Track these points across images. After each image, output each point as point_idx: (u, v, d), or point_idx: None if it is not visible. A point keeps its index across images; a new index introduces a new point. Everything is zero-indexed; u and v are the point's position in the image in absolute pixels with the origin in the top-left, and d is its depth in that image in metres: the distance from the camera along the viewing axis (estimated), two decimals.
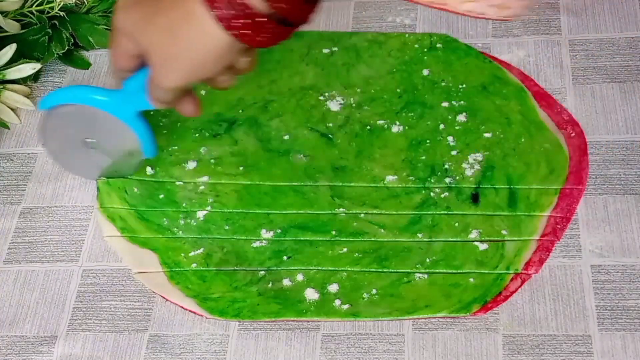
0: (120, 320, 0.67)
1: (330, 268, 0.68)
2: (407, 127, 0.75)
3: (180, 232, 0.71)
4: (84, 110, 0.68)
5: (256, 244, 0.69)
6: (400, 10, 0.83)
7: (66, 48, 0.81)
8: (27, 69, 0.79)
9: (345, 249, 0.68)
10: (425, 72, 0.78)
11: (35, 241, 0.72)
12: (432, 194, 0.71)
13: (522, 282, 0.66)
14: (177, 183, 0.73)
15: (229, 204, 0.72)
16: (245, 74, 0.63)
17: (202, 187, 0.73)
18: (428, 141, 0.74)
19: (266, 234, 0.70)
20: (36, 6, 0.81)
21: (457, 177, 0.71)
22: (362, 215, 0.70)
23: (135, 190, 0.73)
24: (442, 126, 0.74)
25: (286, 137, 0.75)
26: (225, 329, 0.66)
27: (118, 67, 0.64)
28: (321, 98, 0.77)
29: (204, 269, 0.69)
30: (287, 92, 0.78)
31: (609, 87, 0.75)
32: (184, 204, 0.72)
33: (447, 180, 0.71)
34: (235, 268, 0.68)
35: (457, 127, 0.74)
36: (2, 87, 0.79)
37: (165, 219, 0.71)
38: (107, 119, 0.67)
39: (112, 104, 0.67)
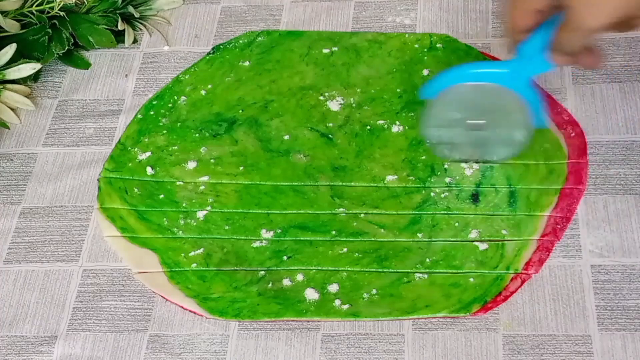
0: (120, 320, 0.67)
1: (330, 268, 0.68)
2: (407, 127, 0.75)
3: (180, 232, 0.71)
4: (474, 89, 0.64)
5: (256, 244, 0.69)
6: (400, 10, 0.83)
7: (66, 48, 0.81)
8: (27, 69, 0.79)
9: (345, 249, 0.68)
10: (425, 72, 0.78)
11: (35, 241, 0.72)
12: (432, 193, 0.71)
13: (522, 282, 0.66)
14: (177, 183, 0.74)
15: (229, 204, 0.72)
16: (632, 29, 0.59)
17: (202, 187, 0.73)
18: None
19: (266, 234, 0.70)
20: (36, 6, 0.81)
21: (457, 177, 0.71)
22: (362, 215, 0.70)
23: (135, 190, 0.73)
24: None
25: (286, 137, 0.75)
26: (225, 329, 0.66)
27: (517, 27, 0.60)
28: (321, 98, 0.77)
29: (204, 269, 0.69)
30: (287, 92, 0.78)
31: (609, 87, 0.75)
32: (184, 204, 0.72)
33: (447, 180, 0.71)
34: (235, 268, 0.68)
35: None
36: (2, 87, 0.79)
37: (165, 219, 0.71)
38: (498, 93, 0.64)
39: (507, 75, 0.63)
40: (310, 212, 0.71)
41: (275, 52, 0.81)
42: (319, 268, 0.68)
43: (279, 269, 0.68)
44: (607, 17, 0.56)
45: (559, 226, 0.68)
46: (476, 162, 0.71)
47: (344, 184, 0.72)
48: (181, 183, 0.73)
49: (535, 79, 0.64)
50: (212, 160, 0.74)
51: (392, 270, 0.67)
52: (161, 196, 0.73)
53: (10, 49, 0.78)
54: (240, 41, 0.83)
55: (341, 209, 0.71)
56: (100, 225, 0.72)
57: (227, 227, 0.71)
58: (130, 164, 0.75)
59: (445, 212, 0.69)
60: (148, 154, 0.75)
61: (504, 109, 0.65)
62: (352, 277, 0.67)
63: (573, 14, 0.56)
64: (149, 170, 0.74)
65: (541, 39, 0.60)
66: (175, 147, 0.76)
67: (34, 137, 0.79)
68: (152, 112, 0.79)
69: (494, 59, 0.78)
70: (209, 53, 0.82)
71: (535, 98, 0.65)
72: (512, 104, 0.65)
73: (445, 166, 0.72)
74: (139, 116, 0.78)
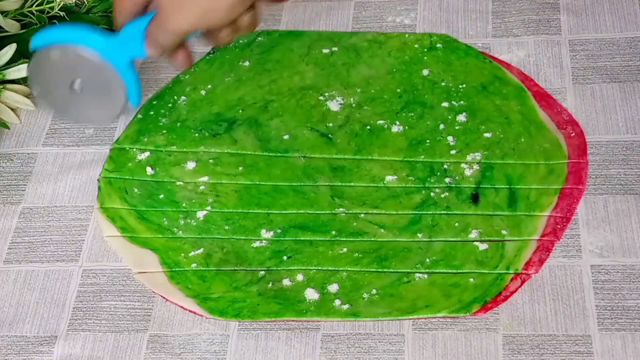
0: (120, 320, 0.67)
1: (330, 268, 0.68)
2: (407, 127, 0.75)
3: (180, 232, 0.71)
4: (76, 52, 0.66)
5: (256, 244, 0.69)
6: (400, 10, 0.83)
7: None
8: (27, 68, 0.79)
9: (345, 249, 0.68)
10: (425, 72, 0.78)
11: (35, 241, 0.72)
12: (432, 194, 0.71)
13: (522, 282, 0.66)
14: (177, 183, 0.74)
15: (229, 204, 0.72)
16: (246, 33, 0.65)
17: (202, 187, 0.73)
18: (428, 141, 0.74)
19: (266, 234, 0.70)
20: (36, 6, 0.81)
21: (457, 177, 0.71)
22: (362, 215, 0.70)
23: (136, 190, 0.73)
24: (442, 126, 0.74)
25: (286, 137, 0.75)
26: (225, 329, 0.66)
27: (121, 11, 0.64)
28: (321, 98, 0.77)
29: (204, 269, 0.69)
30: (287, 92, 0.78)
31: (609, 87, 0.75)
32: (184, 204, 0.72)
33: (447, 180, 0.71)
34: (235, 268, 0.68)
35: (457, 127, 0.74)
36: (2, 87, 0.79)
37: (165, 219, 0.71)
38: (98, 62, 0.66)
39: (107, 47, 0.65)
40: (310, 212, 0.71)
41: (275, 52, 0.81)
42: (319, 268, 0.68)
43: (279, 269, 0.68)
44: (190, 25, 0.62)
45: (559, 226, 0.68)
46: (74, 122, 0.75)
47: (343, 184, 0.72)
48: (181, 183, 0.73)
49: (138, 62, 0.67)
50: (211, 160, 0.74)
51: (392, 270, 0.67)
52: (161, 196, 0.73)
53: (10, 49, 0.78)
54: (240, 41, 0.83)
55: (341, 209, 0.71)
56: (100, 225, 0.72)
57: (227, 227, 0.70)
58: (130, 164, 0.75)
59: (445, 212, 0.69)
60: (147, 154, 0.75)
61: (99, 78, 0.67)
62: (352, 277, 0.67)
63: (162, 13, 0.62)
64: (148, 170, 0.74)
65: (139, 26, 0.63)
66: (175, 147, 0.76)
67: (34, 137, 0.79)
68: (152, 112, 0.79)
69: (494, 58, 0.78)
70: (209, 53, 0.82)
71: (132, 78, 0.67)
72: (108, 76, 0.66)
73: (445, 166, 0.72)
74: (139, 116, 0.78)
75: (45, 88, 0.70)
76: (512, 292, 0.65)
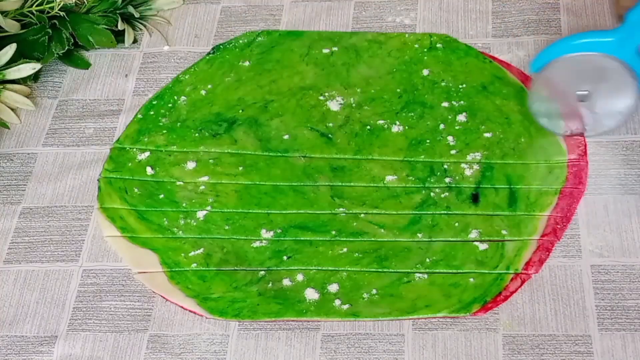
0: (120, 320, 0.67)
1: (330, 268, 0.68)
2: (407, 127, 0.75)
3: (180, 232, 0.71)
4: (582, 59, 0.64)
5: (256, 244, 0.69)
6: (400, 10, 0.83)
7: (66, 48, 0.81)
8: (27, 69, 0.79)
9: (345, 249, 0.68)
10: (425, 72, 0.78)
11: (35, 241, 0.72)
12: (432, 194, 0.71)
13: (522, 282, 0.66)
14: (177, 183, 0.74)
15: (229, 204, 0.72)
16: None
17: (202, 187, 0.73)
18: (428, 141, 0.74)
19: (266, 234, 0.70)
20: (36, 6, 0.81)
21: (457, 177, 0.71)
22: (362, 215, 0.70)
23: (136, 190, 0.73)
24: (442, 126, 0.74)
25: (286, 137, 0.75)
26: (225, 329, 0.66)
27: None
28: (321, 98, 0.77)
29: (204, 269, 0.69)
30: (287, 92, 0.78)
31: None
32: (184, 204, 0.72)
33: (447, 180, 0.71)
34: (235, 268, 0.68)
35: (457, 127, 0.74)
36: (2, 87, 0.79)
37: (165, 219, 0.72)
38: (606, 63, 0.64)
39: (613, 44, 0.63)
40: (310, 212, 0.71)
41: (275, 52, 0.81)
42: (319, 268, 0.68)
43: (279, 269, 0.68)
44: None
45: (559, 226, 0.68)
46: (584, 135, 0.70)
47: (343, 184, 0.72)
48: (181, 183, 0.73)
49: None
50: (211, 160, 0.74)
51: (392, 270, 0.67)
52: (161, 196, 0.73)
53: (10, 49, 0.78)
54: (240, 41, 0.83)
55: (341, 209, 0.71)
56: (100, 225, 0.72)
57: (227, 227, 0.71)
58: (130, 164, 0.75)
59: (445, 212, 0.69)
60: (147, 154, 0.75)
61: (611, 78, 0.65)
62: (352, 277, 0.67)
63: None
64: (148, 170, 0.74)
65: None
66: (175, 147, 0.76)
67: (34, 137, 0.79)
68: (152, 112, 0.79)
69: (494, 59, 0.78)
70: (209, 53, 0.82)
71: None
72: (618, 74, 0.64)
73: (445, 166, 0.72)
74: (139, 116, 0.78)
75: (545, 106, 0.69)
76: (512, 292, 0.65)
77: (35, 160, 0.77)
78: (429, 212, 0.70)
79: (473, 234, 0.68)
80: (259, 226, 0.70)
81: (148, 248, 0.70)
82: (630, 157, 0.71)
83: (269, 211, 0.71)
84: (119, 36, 0.83)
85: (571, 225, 0.68)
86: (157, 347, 0.66)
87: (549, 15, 0.81)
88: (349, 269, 0.67)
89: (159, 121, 0.78)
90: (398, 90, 0.77)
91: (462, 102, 0.76)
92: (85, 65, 0.83)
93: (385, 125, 0.75)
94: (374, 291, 0.66)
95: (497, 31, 0.80)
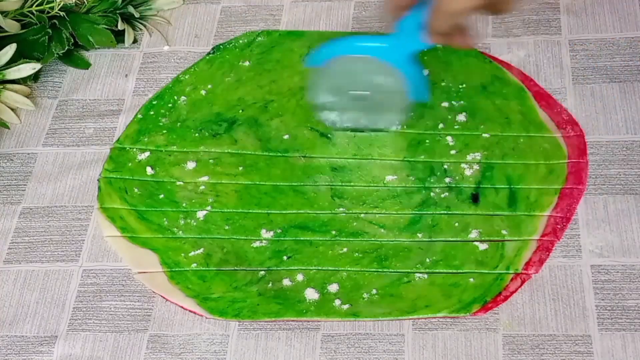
0: (120, 320, 0.67)
1: (330, 268, 0.68)
2: (406, 127, 0.75)
3: (180, 232, 0.71)
4: (356, 61, 0.68)
5: (256, 244, 0.69)
6: None
7: (66, 48, 0.81)
8: (27, 69, 0.79)
9: (345, 249, 0.68)
10: (425, 72, 0.78)
11: (35, 241, 0.72)
12: (432, 194, 0.71)
13: (522, 282, 0.66)
14: (177, 183, 0.74)
15: (229, 204, 0.72)
16: (501, 14, 0.63)
17: (202, 187, 0.73)
18: (427, 141, 0.74)
19: (266, 234, 0.70)
20: (36, 6, 0.81)
21: (457, 177, 0.71)
22: (362, 215, 0.70)
23: (136, 190, 0.73)
24: (441, 126, 0.74)
25: (286, 137, 0.75)
26: (225, 329, 0.66)
27: (396, 4, 0.64)
28: None
29: (204, 269, 0.69)
30: (287, 92, 0.78)
31: (609, 87, 0.75)
32: (184, 204, 0.72)
33: (447, 180, 0.71)
34: (235, 268, 0.68)
35: (456, 127, 0.74)
36: (2, 87, 0.79)
37: (165, 219, 0.71)
38: (378, 67, 0.67)
39: (386, 49, 0.67)
40: (310, 212, 0.71)
41: (275, 52, 0.81)
42: (319, 268, 0.68)
43: (279, 269, 0.68)
44: (469, 1, 0.59)
45: (559, 226, 0.68)
46: (360, 132, 0.74)
47: (343, 184, 0.72)
48: (181, 183, 0.73)
49: (415, 54, 0.68)
50: (211, 161, 0.74)
51: (392, 270, 0.67)
52: (161, 196, 0.73)
53: (10, 49, 0.78)
54: (240, 41, 0.83)
55: (341, 209, 0.71)
56: (100, 225, 0.72)
57: (227, 227, 0.70)
58: (130, 164, 0.75)
59: (445, 212, 0.69)
60: (147, 154, 0.75)
61: (384, 81, 0.69)
62: (352, 277, 0.67)
63: None
64: (148, 170, 0.74)
65: (417, 17, 0.64)
66: (175, 147, 0.76)
67: (34, 137, 0.79)
68: (152, 112, 0.79)
69: (494, 59, 0.78)
70: (209, 53, 0.82)
71: (415, 73, 0.69)
72: (391, 78, 0.68)
73: (445, 166, 0.72)
74: (139, 116, 0.78)
75: (327, 100, 0.73)
76: (512, 292, 0.65)
77: (35, 160, 0.77)
78: (429, 212, 0.70)
79: (473, 234, 0.68)
80: (259, 226, 0.70)
81: (148, 248, 0.70)
82: (630, 157, 0.71)
83: (269, 211, 0.71)
84: (119, 36, 0.83)
85: (571, 225, 0.68)
86: (157, 347, 0.66)
87: (549, 15, 0.81)
88: (349, 269, 0.67)
89: (159, 121, 0.78)
90: None
91: (461, 102, 0.75)
92: (85, 65, 0.83)
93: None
94: (374, 291, 0.66)
95: (497, 31, 0.80)
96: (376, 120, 0.74)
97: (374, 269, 0.67)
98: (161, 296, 0.68)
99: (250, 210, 0.71)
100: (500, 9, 0.62)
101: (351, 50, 0.69)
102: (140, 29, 0.84)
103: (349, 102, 0.72)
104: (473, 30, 0.64)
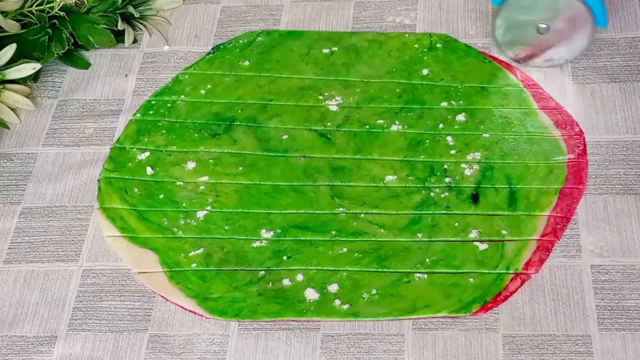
0: (120, 320, 0.67)
1: (330, 268, 0.68)
2: (406, 127, 0.75)
3: (180, 232, 0.71)
4: None
5: (256, 244, 0.69)
6: (400, 10, 0.83)
7: (66, 48, 0.81)
8: (27, 69, 0.79)
9: (345, 249, 0.68)
10: (425, 71, 0.78)
11: (35, 241, 0.72)
12: (432, 193, 0.71)
13: (522, 282, 0.66)
14: (177, 183, 0.74)
15: (228, 204, 0.72)
16: None
17: (202, 187, 0.73)
18: (427, 141, 0.74)
19: (266, 234, 0.70)
20: (36, 6, 0.81)
21: (457, 177, 0.71)
22: (362, 215, 0.70)
23: (136, 190, 0.73)
24: (441, 126, 0.74)
25: (285, 137, 0.75)
26: (225, 329, 0.66)
27: None
28: (320, 98, 0.77)
29: (204, 269, 0.69)
30: (286, 92, 0.78)
31: (609, 87, 0.75)
32: (184, 204, 0.72)
33: (447, 180, 0.71)
34: (235, 268, 0.68)
35: (456, 127, 0.74)
36: (2, 87, 0.79)
37: (165, 219, 0.72)
38: None
39: None
40: (310, 212, 0.71)
41: (275, 52, 0.81)
42: (319, 268, 0.68)
43: (279, 269, 0.68)
44: None
45: (559, 226, 0.68)
46: (542, 66, 0.77)
47: (343, 184, 0.72)
48: (181, 183, 0.73)
49: None
50: (210, 161, 0.74)
51: (392, 270, 0.67)
52: (161, 196, 0.73)
53: (10, 49, 0.78)
54: (240, 41, 0.83)
55: (341, 209, 0.71)
56: (100, 225, 0.72)
57: (227, 227, 0.71)
58: (130, 164, 0.75)
59: (445, 212, 0.69)
60: (147, 154, 0.75)
61: (568, 11, 0.71)
62: (352, 277, 0.67)
63: None
64: (148, 170, 0.74)
65: None
66: (175, 147, 0.76)
67: (34, 137, 0.79)
68: (151, 112, 0.79)
69: (494, 59, 0.78)
70: (208, 53, 0.82)
71: (596, 2, 0.71)
72: (572, 6, 0.71)
73: (445, 166, 0.72)
74: (139, 116, 0.78)
75: (508, 38, 0.76)
76: (512, 292, 0.65)
77: (35, 160, 0.77)
78: (429, 212, 0.70)
79: (473, 234, 0.68)
80: (259, 226, 0.70)
81: (148, 248, 0.70)
82: (630, 157, 0.71)
83: (269, 211, 0.71)
84: (119, 36, 0.83)
85: (571, 225, 0.68)
86: (157, 347, 0.66)
87: None
88: (349, 269, 0.68)
89: (159, 121, 0.78)
90: (397, 90, 0.77)
91: (461, 102, 0.76)
92: (85, 65, 0.83)
93: (385, 125, 0.75)
94: (374, 291, 0.66)
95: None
96: (562, 50, 0.75)
97: (374, 269, 0.67)
98: (161, 296, 0.68)
99: (250, 210, 0.71)
100: None
101: None
102: (140, 29, 0.84)
103: (535, 35, 0.74)
104: None
